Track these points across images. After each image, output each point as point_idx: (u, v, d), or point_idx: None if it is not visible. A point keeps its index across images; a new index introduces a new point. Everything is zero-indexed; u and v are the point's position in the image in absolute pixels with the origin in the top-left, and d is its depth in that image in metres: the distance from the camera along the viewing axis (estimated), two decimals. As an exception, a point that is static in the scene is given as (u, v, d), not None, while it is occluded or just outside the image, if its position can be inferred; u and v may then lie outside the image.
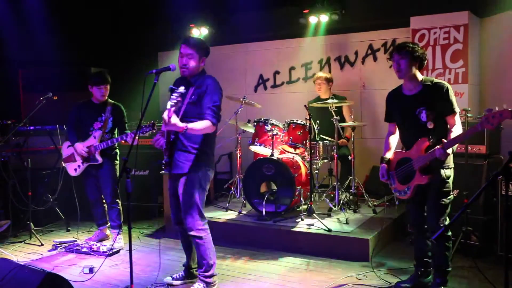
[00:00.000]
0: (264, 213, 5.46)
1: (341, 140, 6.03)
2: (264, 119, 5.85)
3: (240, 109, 6.20)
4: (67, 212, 6.29)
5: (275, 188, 5.60)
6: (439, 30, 5.95)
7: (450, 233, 3.76)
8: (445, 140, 3.47)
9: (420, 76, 3.79)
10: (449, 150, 3.52)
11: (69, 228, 6.19)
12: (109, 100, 5.46)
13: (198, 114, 3.74)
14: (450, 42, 5.90)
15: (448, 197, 3.71)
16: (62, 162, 5.56)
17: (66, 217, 6.27)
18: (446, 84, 3.72)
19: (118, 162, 5.49)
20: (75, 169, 5.46)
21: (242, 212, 5.89)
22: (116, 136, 5.38)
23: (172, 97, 3.50)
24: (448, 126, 3.69)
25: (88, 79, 5.43)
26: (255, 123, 5.92)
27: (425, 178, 3.65)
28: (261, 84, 7.84)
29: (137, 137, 3.66)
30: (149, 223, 6.43)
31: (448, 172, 3.71)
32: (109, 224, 5.60)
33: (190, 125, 3.58)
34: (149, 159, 6.37)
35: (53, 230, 6.22)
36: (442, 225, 3.63)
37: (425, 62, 3.82)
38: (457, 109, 3.69)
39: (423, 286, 3.96)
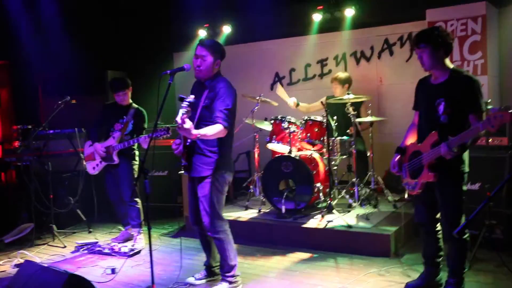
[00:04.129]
0: (283, 210, 5.43)
1: (351, 127, 5.94)
2: (281, 117, 5.83)
3: (256, 108, 6.18)
4: (88, 213, 6.37)
5: (294, 185, 5.60)
6: (456, 22, 5.87)
7: (468, 238, 3.55)
8: (451, 137, 3.26)
9: (450, 65, 3.52)
10: (458, 149, 3.28)
11: (90, 229, 6.25)
12: (133, 104, 5.56)
13: (211, 118, 3.74)
14: (468, 33, 5.82)
15: (460, 202, 3.49)
16: (83, 161, 5.67)
17: (87, 219, 6.35)
18: (475, 79, 3.43)
19: (136, 162, 5.54)
20: (94, 168, 5.57)
21: (261, 210, 5.88)
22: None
23: (182, 105, 3.50)
24: (471, 126, 3.29)
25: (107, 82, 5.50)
26: (272, 121, 5.89)
27: (431, 175, 3.44)
28: (277, 81, 7.81)
29: (152, 139, 3.76)
30: (169, 223, 6.45)
31: (459, 178, 3.47)
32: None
33: (202, 132, 3.56)
34: (168, 159, 6.38)
35: (75, 232, 6.29)
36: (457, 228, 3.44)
37: (452, 44, 3.52)
38: (483, 108, 3.38)
39: (434, 285, 3.85)
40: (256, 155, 6.40)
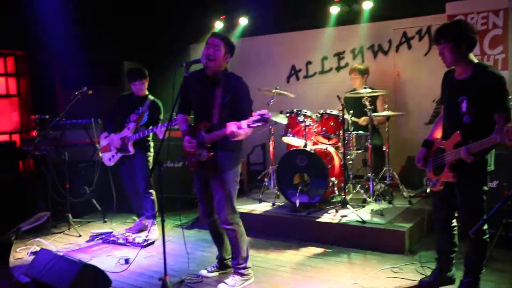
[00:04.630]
0: (297, 204, 5.39)
1: (363, 118, 5.92)
2: (296, 110, 5.79)
3: (272, 100, 6.15)
4: (103, 203, 6.41)
5: (309, 179, 5.54)
6: (476, 15, 5.75)
7: (487, 238, 3.48)
8: (472, 142, 3.16)
9: (474, 59, 3.39)
10: (479, 154, 3.18)
11: (105, 219, 6.30)
12: (150, 96, 5.55)
13: (232, 116, 3.70)
14: (489, 27, 5.70)
15: (480, 202, 3.42)
16: (99, 152, 5.71)
17: (103, 209, 6.39)
18: (500, 75, 3.28)
19: (151, 153, 5.55)
20: (110, 159, 5.60)
21: (275, 203, 5.86)
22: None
23: None
24: (496, 126, 3.21)
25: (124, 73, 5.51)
26: (288, 114, 5.86)
27: (451, 175, 3.39)
28: (294, 74, 7.77)
29: (167, 130, 3.75)
30: (183, 214, 6.46)
31: (480, 178, 3.38)
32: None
33: (243, 133, 3.65)
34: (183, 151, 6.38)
35: (90, 221, 6.34)
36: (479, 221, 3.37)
37: (477, 38, 3.37)
38: (508, 106, 3.24)
39: (447, 280, 3.80)
40: (271, 148, 6.37)
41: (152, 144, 5.60)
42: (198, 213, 5.66)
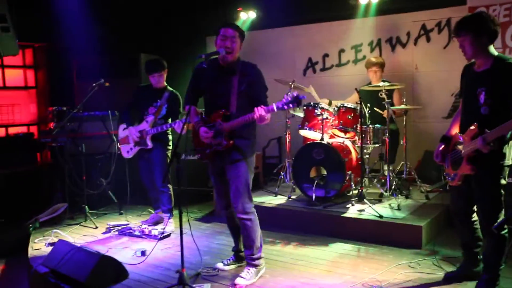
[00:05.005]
0: (313, 198, 5.39)
1: (384, 111, 5.82)
2: (313, 103, 5.75)
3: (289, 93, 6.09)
4: (120, 196, 6.40)
5: (325, 173, 5.53)
6: (499, 7, 5.65)
7: (507, 233, 3.41)
8: (488, 131, 3.13)
9: (494, 52, 3.34)
10: (496, 143, 3.14)
11: (121, 211, 6.30)
12: (168, 87, 5.48)
13: (249, 104, 3.71)
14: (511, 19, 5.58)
15: (497, 196, 3.37)
16: (118, 144, 5.71)
17: (119, 201, 6.40)
18: None
19: (170, 147, 5.52)
20: (128, 151, 5.57)
21: (291, 197, 5.83)
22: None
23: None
24: None
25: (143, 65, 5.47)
26: (305, 107, 5.80)
27: (468, 168, 3.35)
28: (310, 67, 7.70)
29: (186, 124, 3.76)
30: (199, 207, 6.45)
31: (497, 171, 3.33)
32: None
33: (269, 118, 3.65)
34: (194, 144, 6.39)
35: (106, 213, 6.35)
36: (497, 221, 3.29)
37: (498, 30, 3.31)
38: None
39: (473, 275, 3.75)
40: (287, 141, 6.32)
41: (171, 137, 5.57)
42: (215, 206, 5.91)
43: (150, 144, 5.35)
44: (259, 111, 3.50)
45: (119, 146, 5.73)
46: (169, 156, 5.48)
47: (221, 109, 3.74)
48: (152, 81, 5.43)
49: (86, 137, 6.26)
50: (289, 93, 3.46)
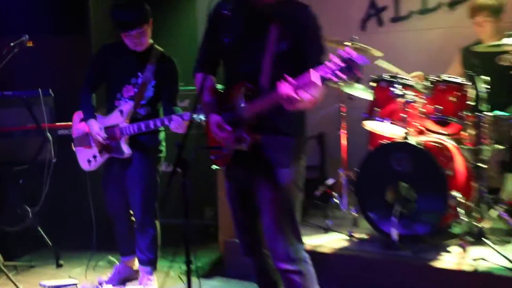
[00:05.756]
0: (394, 237, 4.06)
1: None
2: (389, 76, 4.28)
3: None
4: (58, 233, 4.81)
5: (413, 195, 4.19)
6: None
7: None
8: None
9: None
10: None
11: (60, 262, 4.62)
12: (156, 48, 4.00)
13: (293, 72, 2.80)
14: None
15: None
16: (72, 145, 4.28)
17: (56, 243, 4.79)
18: None
19: (162, 155, 4.10)
20: (89, 161, 4.09)
21: (353, 234, 4.44)
22: (160, 114, 3.99)
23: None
24: None
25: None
26: (374, 84, 4.38)
27: None
28: (373, 16, 5.77)
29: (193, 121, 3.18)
30: (196, 252, 4.76)
31: None
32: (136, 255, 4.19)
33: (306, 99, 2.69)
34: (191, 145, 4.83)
35: (33, 266, 4.71)
36: None
37: None
38: None
39: None
40: (342, 141, 4.91)
41: (163, 135, 4.11)
42: (217, 249, 4.74)
43: (127, 151, 3.88)
44: (284, 87, 2.64)
45: (74, 149, 4.22)
46: (159, 169, 4.08)
47: (243, 81, 3.00)
48: (128, 42, 3.85)
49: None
50: (340, 53, 2.55)
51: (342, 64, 2.46)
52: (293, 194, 3.02)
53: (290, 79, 2.60)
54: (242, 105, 2.87)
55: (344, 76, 2.48)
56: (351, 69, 2.45)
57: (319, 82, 2.47)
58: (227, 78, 3.11)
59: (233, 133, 2.91)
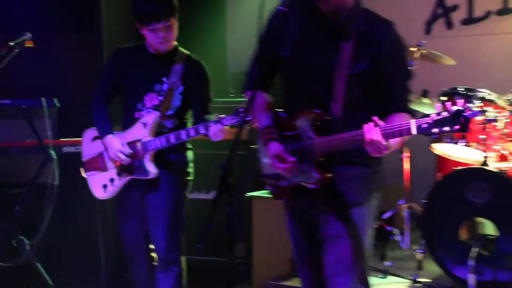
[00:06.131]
0: (472, 284, 3.68)
1: None
2: (464, 89, 3.92)
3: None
4: (59, 270, 4.34)
5: (494, 233, 3.85)
6: None
7: None
8: None
9: None
10: None
11: None
12: (181, 51, 3.58)
13: (369, 99, 2.54)
14: None
15: None
16: (81, 170, 3.79)
17: (57, 281, 4.29)
18: None
19: (191, 178, 3.62)
20: (105, 186, 3.62)
21: (418, 280, 4.00)
22: (189, 125, 3.55)
23: None
24: None
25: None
26: (445, 98, 3.99)
27: None
28: (441, 17, 5.32)
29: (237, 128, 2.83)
30: None
31: None
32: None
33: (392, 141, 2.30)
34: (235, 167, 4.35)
35: None
36: None
37: None
38: None
39: None
40: (405, 166, 4.50)
41: (191, 156, 3.66)
42: None
43: (153, 170, 3.43)
44: (371, 132, 2.26)
45: (84, 175, 3.67)
46: (186, 195, 3.64)
47: (313, 107, 2.59)
48: (153, 39, 3.44)
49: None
50: (440, 104, 2.63)
51: (446, 116, 2.10)
52: (365, 232, 2.69)
53: (379, 121, 2.27)
54: (312, 136, 2.52)
55: (446, 130, 2.11)
56: (457, 123, 2.06)
57: (415, 132, 2.10)
58: (287, 97, 2.76)
59: (297, 166, 2.55)
